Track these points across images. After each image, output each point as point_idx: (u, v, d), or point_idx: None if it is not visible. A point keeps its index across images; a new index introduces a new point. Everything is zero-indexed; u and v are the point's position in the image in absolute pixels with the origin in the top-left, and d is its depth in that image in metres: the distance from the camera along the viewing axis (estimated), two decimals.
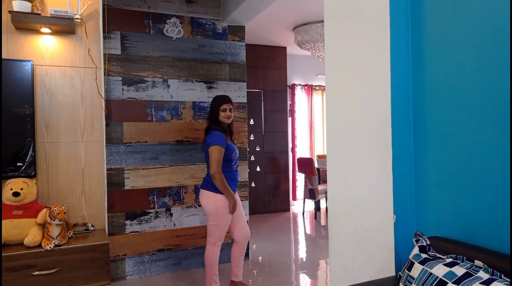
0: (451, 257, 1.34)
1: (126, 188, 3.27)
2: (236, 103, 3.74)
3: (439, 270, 1.28)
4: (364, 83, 1.81)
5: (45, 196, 2.57)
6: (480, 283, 1.15)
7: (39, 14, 2.45)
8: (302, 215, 5.88)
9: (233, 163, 2.80)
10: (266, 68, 6.07)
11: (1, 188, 2.33)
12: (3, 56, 2.42)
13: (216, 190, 2.68)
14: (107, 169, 3.08)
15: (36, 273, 2.18)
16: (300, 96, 6.77)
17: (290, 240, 4.60)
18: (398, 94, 1.71)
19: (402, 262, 1.65)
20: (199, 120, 3.56)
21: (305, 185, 5.64)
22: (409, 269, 1.42)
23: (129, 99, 3.29)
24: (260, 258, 3.88)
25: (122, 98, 3.26)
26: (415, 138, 1.71)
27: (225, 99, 2.75)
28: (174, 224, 3.45)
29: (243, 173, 3.76)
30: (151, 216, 3.37)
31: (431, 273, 1.30)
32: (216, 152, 2.64)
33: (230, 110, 2.74)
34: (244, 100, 3.79)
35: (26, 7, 2.38)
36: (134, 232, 3.29)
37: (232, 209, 2.72)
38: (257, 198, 5.95)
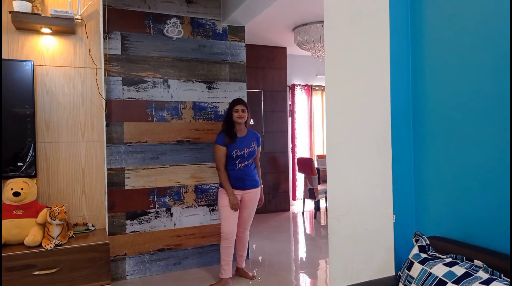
0: (450, 257, 1.34)
1: (126, 188, 3.27)
2: None
3: (439, 270, 1.29)
4: (364, 83, 1.82)
5: (46, 196, 2.58)
6: (480, 282, 1.15)
7: (40, 15, 2.46)
8: (302, 215, 5.89)
9: (237, 161, 3.01)
10: (266, 68, 6.08)
11: (2, 188, 2.33)
12: (4, 56, 2.43)
13: (220, 185, 3.08)
14: (108, 169, 3.09)
15: (37, 273, 2.18)
16: (300, 96, 6.78)
17: (290, 240, 4.60)
18: (398, 94, 1.71)
19: (402, 262, 1.65)
20: (199, 120, 3.56)
21: (305, 185, 5.64)
22: (409, 268, 1.43)
23: (130, 99, 3.29)
24: (260, 258, 3.89)
25: (122, 98, 3.26)
26: (415, 138, 1.72)
27: (237, 101, 3.07)
28: (174, 224, 3.46)
29: None
30: (152, 216, 3.37)
31: (430, 273, 1.30)
32: (214, 150, 3.07)
33: (242, 111, 3.02)
34: (244, 100, 3.79)
35: (27, 7, 2.39)
36: (134, 232, 3.30)
37: (231, 205, 2.97)
38: None
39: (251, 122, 5.90)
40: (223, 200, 3.01)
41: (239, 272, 3.29)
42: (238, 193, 3.02)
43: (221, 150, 3.00)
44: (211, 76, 3.62)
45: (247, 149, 3.02)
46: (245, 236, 3.23)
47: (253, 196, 3.10)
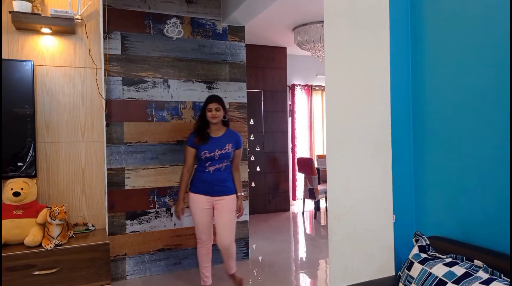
0: (450, 257, 1.34)
1: (126, 188, 3.27)
2: (236, 103, 3.75)
3: (439, 270, 1.29)
4: (364, 84, 1.82)
5: (46, 196, 2.58)
6: (480, 282, 1.15)
7: (40, 15, 2.46)
8: (302, 215, 5.89)
9: (206, 164, 2.75)
10: (266, 68, 6.08)
11: (2, 188, 2.33)
12: (4, 56, 2.43)
13: (191, 188, 2.83)
14: (108, 169, 3.09)
15: (37, 273, 2.18)
16: (300, 96, 6.78)
17: (290, 240, 4.60)
18: (398, 94, 1.71)
19: (402, 262, 1.65)
20: None
21: (305, 185, 5.64)
22: (409, 268, 1.43)
23: (130, 99, 3.29)
24: (260, 258, 3.89)
25: (122, 98, 3.26)
26: (415, 138, 1.72)
27: (210, 99, 2.77)
28: (174, 224, 3.46)
29: (243, 173, 3.76)
30: (151, 216, 3.37)
31: (430, 273, 1.30)
32: (184, 151, 2.86)
33: (216, 109, 2.73)
34: (244, 100, 3.79)
35: (27, 7, 2.38)
36: (134, 232, 3.30)
37: (176, 212, 2.83)
38: (257, 198, 5.95)
39: (251, 122, 5.91)
40: (192, 204, 2.81)
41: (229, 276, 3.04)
42: (207, 199, 2.77)
43: (188, 152, 2.78)
44: (211, 76, 3.62)
45: (218, 151, 2.73)
46: (228, 248, 2.81)
47: (226, 204, 2.77)
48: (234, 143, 2.83)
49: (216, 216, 2.80)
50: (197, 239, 2.87)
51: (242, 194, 2.93)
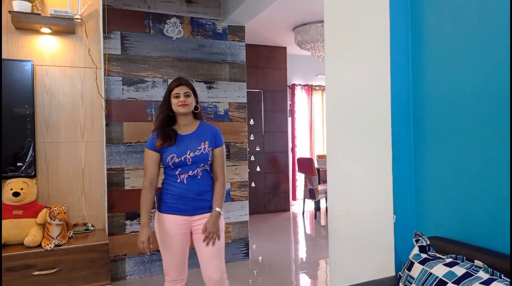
0: (451, 257, 1.34)
1: (126, 188, 3.26)
2: (236, 103, 3.74)
3: (439, 270, 1.29)
4: (364, 83, 1.81)
5: (45, 196, 2.58)
6: (480, 283, 1.15)
7: (39, 14, 2.46)
8: (302, 215, 5.88)
9: (176, 172, 1.98)
10: (266, 68, 6.08)
11: (1, 188, 2.33)
12: (4, 56, 2.43)
13: (159, 207, 2.13)
14: (107, 169, 3.08)
15: (36, 273, 2.18)
16: (300, 96, 6.77)
17: (290, 240, 4.60)
18: (398, 94, 1.71)
19: (402, 262, 1.65)
20: None
21: (305, 185, 5.64)
22: (409, 269, 1.42)
23: (129, 99, 3.29)
24: (260, 258, 3.89)
25: (122, 98, 3.26)
26: (415, 138, 1.71)
27: (176, 82, 2.02)
28: None
29: (243, 173, 3.76)
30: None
31: (431, 273, 1.30)
32: (144, 157, 2.06)
33: (185, 95, 1.98)
34: (244, 100, 3.79)
35: (26, 7, 2.39)
36: (134, 232, 3.29)
37: (140, 243, 2.05)
38: (257, 198, 5.95)
39: (251, 122, 5.91)
40: (161, 228, 2.10)
41: None
42: (184, 221, 2.03)
43: (149, 157, 2.00)
44: (211, 76, 3.62)
45: (191, 153, 1.95)
46: (218, 284, 2.08)
47: (209, 224, 2.02)
48: (211, 139, 2.03)
49: (197, 242, 2.08)
50: (164, 275, 2.15)
51: (220, 210, 2.03)
